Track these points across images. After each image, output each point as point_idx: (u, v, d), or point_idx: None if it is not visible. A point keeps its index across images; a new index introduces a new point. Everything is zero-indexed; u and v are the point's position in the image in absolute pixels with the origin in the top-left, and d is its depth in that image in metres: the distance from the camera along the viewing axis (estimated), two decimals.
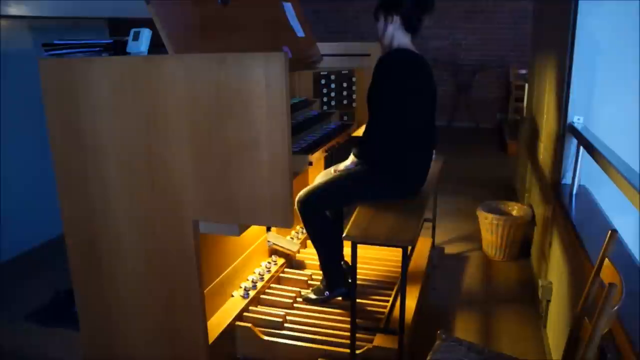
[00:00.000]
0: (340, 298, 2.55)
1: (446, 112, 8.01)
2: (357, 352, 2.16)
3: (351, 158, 2.43)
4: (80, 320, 2.17)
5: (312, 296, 2.57)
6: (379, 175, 2.36)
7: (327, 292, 2.53)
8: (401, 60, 2.27)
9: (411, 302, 2.49)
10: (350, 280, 2.19)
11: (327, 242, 2.46)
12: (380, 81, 2.24)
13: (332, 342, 2.24)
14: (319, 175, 2.62)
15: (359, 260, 2.17)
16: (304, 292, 2.64)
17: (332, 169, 2.54)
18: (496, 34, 7.86)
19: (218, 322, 2.26)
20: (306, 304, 2.56)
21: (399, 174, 2.36)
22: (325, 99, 3.00)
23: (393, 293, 2.56)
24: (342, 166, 2.46)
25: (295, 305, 2.55)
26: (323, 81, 2.97)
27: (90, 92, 1.85)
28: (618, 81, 2.38)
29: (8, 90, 3.35)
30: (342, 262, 2.57)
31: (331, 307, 2.52)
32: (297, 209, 2.36)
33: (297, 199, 2.36)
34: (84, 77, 1.85)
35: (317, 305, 2.54)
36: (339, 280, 2.51)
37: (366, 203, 2.33)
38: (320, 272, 2.59)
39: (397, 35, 2.32)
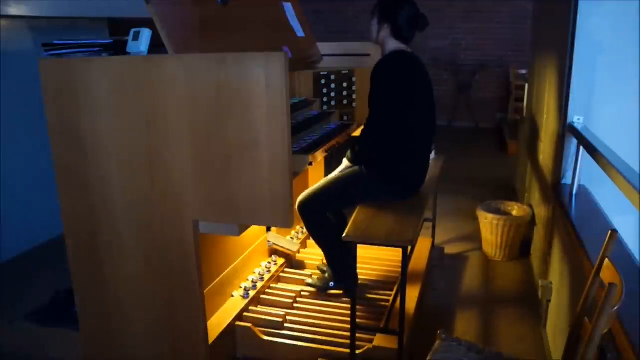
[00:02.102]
0: (341, 292, 2.58)
1: (446, 112, 8.00)
2: (357, 352, 2.15)
3: (345, 163, 2.45)
4: (80, 320, 2.17)
5: (318, 284, 2.63)
6: (377, 176, 2.36)
7: (332, 283, 2.58)
8: (395, 62, 2.30)
9: (411, 302, 2.50)
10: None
11: (329, 243, 2.49)
12: (376, 84, 2.27)
13: (332, 342, 2.24)
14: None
15: (359, 260, 2.17)
16: (308, 279, 2.69)
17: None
18: (495, 33, 7.86)
19: (218, 322, 2.26)
20: (307, 303, 2.56)
21: (398, 174, 2.36)
22: (325, 99, 2.99)
23: (393, 293, 2.56)
24: (336, 172, 2.48)
25: (295, 305, 2.55)
26: (323, 81, 2.96)
27: (90, 92, 1.85)
28: (618, 81, 2.38)
29: (8, 90, 3.34)
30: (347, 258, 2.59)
31: (331, 307, 2.52)
32: (297, 212, 2.38)
33: (297, 201, 2.39)
34: (84, 77, 1.85)
35: (319, 292, 2.60)
36: (344, 275, 2.54)
37: (366, 204, 2.33)
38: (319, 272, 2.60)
39: (388, 41, 2.37)
